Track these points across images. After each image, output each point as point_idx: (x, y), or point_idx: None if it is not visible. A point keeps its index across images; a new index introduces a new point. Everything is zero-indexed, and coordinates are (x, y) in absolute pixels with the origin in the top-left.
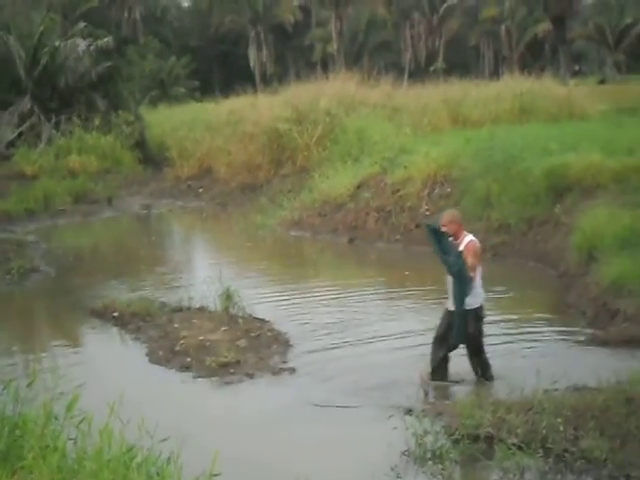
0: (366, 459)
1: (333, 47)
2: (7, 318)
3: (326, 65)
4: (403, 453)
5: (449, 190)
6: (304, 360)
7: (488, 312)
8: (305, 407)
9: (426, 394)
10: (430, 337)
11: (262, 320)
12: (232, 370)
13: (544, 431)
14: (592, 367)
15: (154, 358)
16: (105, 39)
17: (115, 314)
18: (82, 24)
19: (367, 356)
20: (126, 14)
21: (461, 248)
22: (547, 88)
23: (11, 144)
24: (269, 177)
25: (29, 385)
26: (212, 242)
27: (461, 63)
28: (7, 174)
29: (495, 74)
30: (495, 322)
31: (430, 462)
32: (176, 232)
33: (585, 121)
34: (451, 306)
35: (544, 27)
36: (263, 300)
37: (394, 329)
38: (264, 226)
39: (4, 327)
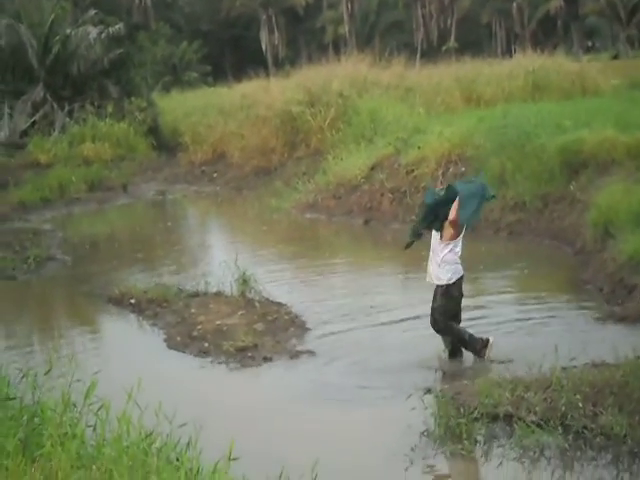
0: (385, 440)
1: (344, 29)
2: (24, 307)
3: (338, 47)
4: (422, 433)
5: (463, 169)
6: (321, 343)
7: (505, 289)
8: (323, 389)
9: (444, 374)
10: None
11: (279, 303)
12: (250, 354)
13: (563, 408)
14: (610, 343)
15: (172, 344)
16: (116, 26)
17: (132, 301)
18: (93, 11)
19: (384, 338)
20: (137, 0)
21: (451, 216)
22: (560, 65)
23: (25, 133)
24: (283, 160)
25: (47, 373)
26: (227, 226)
27: (473, 42)
28: (22, 163)
29: (507, 52)
30: (512, 300)
31: (450, 442)
32: (191, 217)
33: (598, 97)
34: (435, 280)
35: (556, 4)
36: (279, 283)
37: (411, 311)
38: (279, 209)
39: (22, 316)
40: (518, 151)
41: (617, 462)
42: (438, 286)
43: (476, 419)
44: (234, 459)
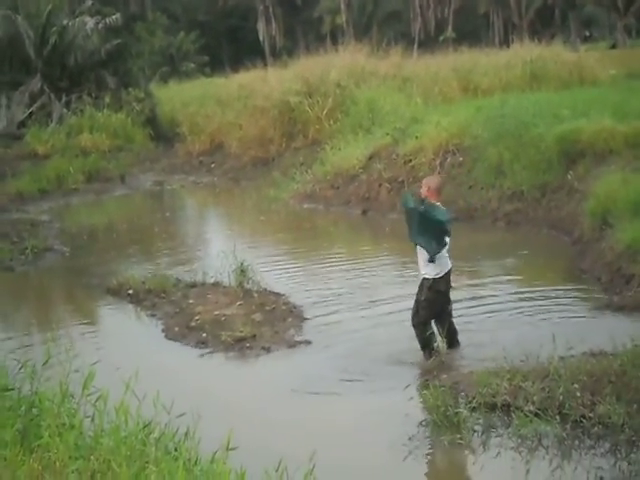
0: (383, 430)
1: (342, 19)
2: (22, 298)
3: (335, 37)
4: (420, 423)
5: (461, 159)
6: (320, 333)
7: (503, 279)
8: (321, 379)
9: (442, 364)
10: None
11: (277, 293)
12: (248, 344)
13: (561, 397)
14: (608, 332)
15: (170, 334)
16: (113, 16)
17: (130, 291)
18: (90, 2)
19: (383, 328)
20: None
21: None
22: (557, 54)
23: (22, 124)
24: (281, 151)
25: (45, 364)
26: (225, 217)
27: (471, 32)
28: (19, 154)
29: (505, 42)
30: (509, 289)
31: (447, 432)
32: (189, 208)
33: (596, 86)
34: (423, 272)
35: None
36: (277, 273)
37: (410, 301)
38: (277, 200)
39: (20, 306)
40: (516, 141)
41: (615, 451)
42: (425, 279)
43: (474, 409)
44: (232, 449)
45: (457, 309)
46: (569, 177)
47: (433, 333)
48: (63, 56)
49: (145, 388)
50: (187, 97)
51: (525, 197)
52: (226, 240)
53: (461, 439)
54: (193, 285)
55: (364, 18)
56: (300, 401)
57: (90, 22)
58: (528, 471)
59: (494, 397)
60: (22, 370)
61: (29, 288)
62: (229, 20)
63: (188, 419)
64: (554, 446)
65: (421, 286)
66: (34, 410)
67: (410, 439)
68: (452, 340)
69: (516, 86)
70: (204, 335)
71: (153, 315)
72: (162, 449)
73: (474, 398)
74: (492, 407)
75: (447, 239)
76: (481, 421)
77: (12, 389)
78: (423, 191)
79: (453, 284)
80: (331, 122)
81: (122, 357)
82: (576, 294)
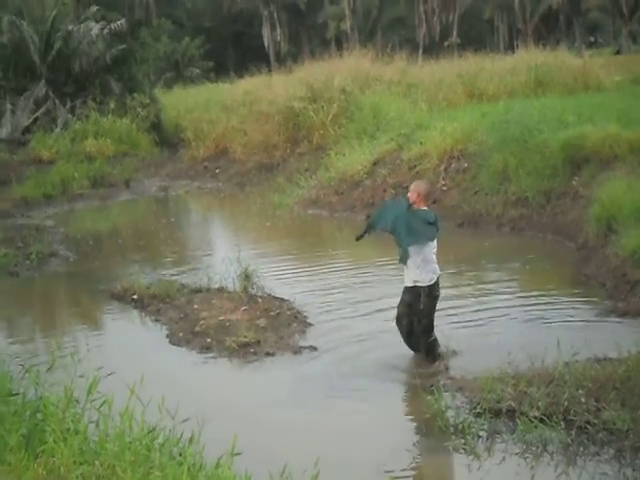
0: (388, 435)
1: (347, 24)
2: (27, 303)
3: (340, 43)
4: (425, 428)
5: (466, 165)
6: (324, 338)
7: (508, 285)
8: (326, 385)
9: (446, 369)
10: (456, 313)
11: (281, 299)
12: (252, 350)
13: (566, 403)
14: (612, 338)
15: (174, 339)
16: (118, 22)
17: (135, 296)
18: (95, 7)
19: (387, 333)
20: None
21: None
22: (562, 60)
23: (27, 130)
24: (285, 156)
25: (49, 369)
26: (230, 222)
27: (476, 37)
28: (24, 160)
29: (510, 48)
30: (514, 295)
31: (452, 437)
32: (194, 213)
33: (601, 92)
34: (415, 282)
35: None
36: (282, 279)
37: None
38: (281, 205)
39: (24, 312)
40: (520, 146)
41: (620, 457)
42: (420, 288)
43: (479, 414)
44: (237, 454)
45: (462, 314)
46: (574, 183)
47: (436, 339)
48: (68, 62)
49: (149, 393)
50: (192, 102)
51: (530, 203)
52: (231, 245)
53: (466, 445)
54: (198, 290)
55: (369, 24)
56: (305, 406)
57: (95, 28)
58: (533, 477)
59: (499, 403)
60: (27, 375)
61: (34, 293)
62: (234, 26)
63: (193, 424)
64: (559, 452)
65: (416, 296)
66: (39, 415)
67: (414, 445)
68: (418, 345)
69: (521, 92)
70: (208, 340)
71: (157, 320)
72: (167, 454)
73: (479, 404)
74: (497, 412)
75: (435, 241)
76: (486, 427)
77: (17, 394)
78: (412, 197)
79: (458, 289)
80: (336, 128)
81: (127, 362)
82: (581, 300)
